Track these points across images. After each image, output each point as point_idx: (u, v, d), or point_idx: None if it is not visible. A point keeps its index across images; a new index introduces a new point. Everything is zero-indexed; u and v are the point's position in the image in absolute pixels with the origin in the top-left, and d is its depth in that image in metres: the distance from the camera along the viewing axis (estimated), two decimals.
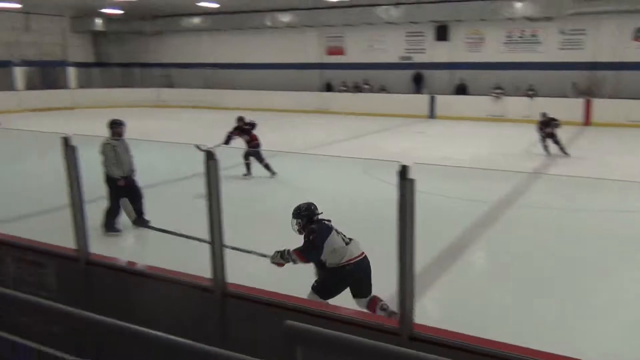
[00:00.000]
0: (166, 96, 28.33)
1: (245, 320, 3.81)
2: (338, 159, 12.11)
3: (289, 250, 4.71)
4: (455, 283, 6.20)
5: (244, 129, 11.61)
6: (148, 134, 15.41)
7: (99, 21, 29.49)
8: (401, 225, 3.05)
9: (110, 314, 2.81)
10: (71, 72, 28.54)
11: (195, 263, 4.08)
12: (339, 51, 26.65)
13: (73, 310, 2.89)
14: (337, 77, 26.16)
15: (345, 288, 4.73)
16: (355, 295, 4.77)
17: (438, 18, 23.21)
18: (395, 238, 3.09)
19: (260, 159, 11.17)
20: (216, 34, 29.09)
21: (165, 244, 7.23)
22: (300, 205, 4.89)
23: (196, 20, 28.65)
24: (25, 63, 27.22)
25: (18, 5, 25.55)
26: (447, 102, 22.99)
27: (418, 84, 24.61)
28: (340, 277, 4.69)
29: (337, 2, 23.01)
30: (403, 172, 3.04)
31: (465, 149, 14.85)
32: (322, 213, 4.89)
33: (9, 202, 8.76)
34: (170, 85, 29.56)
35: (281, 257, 4.74)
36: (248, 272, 4.67)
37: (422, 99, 23.42)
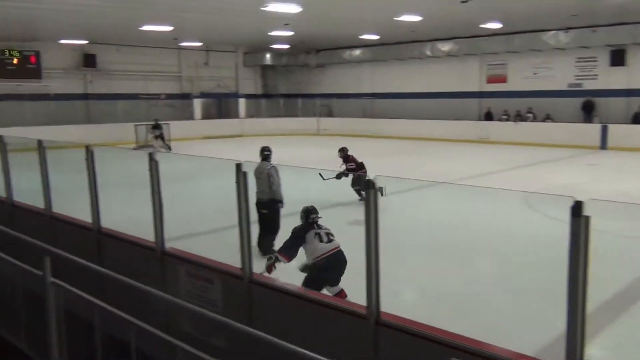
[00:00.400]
0: (326, 125, 29.39)
1: (399, 352, 3.73)
2: (498, 191, 11.57)
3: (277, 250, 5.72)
4: (625, 333, 5.55)
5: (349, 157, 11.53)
6: (308, 160, 16.09)
7: (267, 56, 31.69)
8: (573, 266, 2.81)
9: (269, 331, 2.93)
10: (242, 103, 30.87)
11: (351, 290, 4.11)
12: (500, 79, 25.74)
13: (238, 325, 3.05)
14: (498, 106, 25.23)
15: (324, 278, 5.63)
16: (327, 283, 5.69)
17: (614, 42, 21.45)
18: (559, 276, 2.85)
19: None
20: (376, 64, 29.72)
21: None
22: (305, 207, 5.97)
23: (357, 52, 29.55)
24: (203, 95, 30.05)
25: (200, 44, 28.45)
26: (622, 132, 21.02)
27: (588, 113, 22.83)
28: (315, 271, 5.66)
29: (499, 29, 22.34)
30: (577, 208, 2.80)
31: None
32: (320, 217, 5.95)
33: (183, 221, 9.60)
34: (330, 114, 30.65)
35: (269, 259, 5.60)
36: (401, 299, 4.61)
37: (593, 129, 21.67)
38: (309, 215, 5.95)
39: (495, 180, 14.32)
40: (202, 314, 3.32)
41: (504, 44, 24.15)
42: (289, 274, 5.22)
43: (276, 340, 2.85)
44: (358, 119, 28.77)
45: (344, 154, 11.78)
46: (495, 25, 21.49)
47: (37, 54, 24.96)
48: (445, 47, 26.15)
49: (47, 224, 7.16)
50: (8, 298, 4.32)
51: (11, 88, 24.30)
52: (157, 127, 22.77)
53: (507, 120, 24.59)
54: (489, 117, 25.56)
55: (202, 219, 10.12)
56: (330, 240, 5.80)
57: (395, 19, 18.78)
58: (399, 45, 27.56)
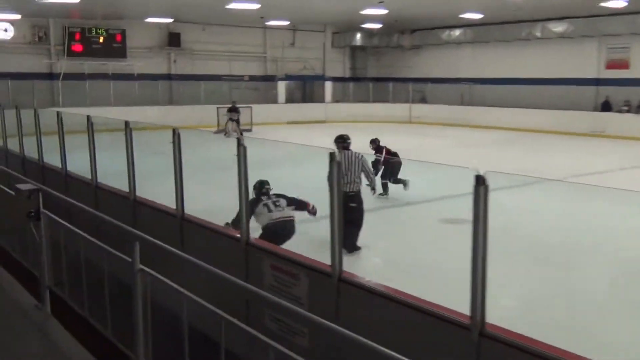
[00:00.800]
0: (419, 112, 28.96)
1: None
2: (616, 191, 10.93)
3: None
4: None
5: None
6: (403, 151, 16.04)
7: (358, 36, 31.57)
8: None
9: (358, 331, 2.88)
10: (328, 86, 30.99)
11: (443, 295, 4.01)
12: (622, 64, 24.26)
13: (323, 321, 3.03)
14: (618, 95, 23.80)
15: (273, 239, 6.39)
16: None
17: None
18: None
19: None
20: (477, 46, 28.86)
21: (413, 268, 7.31)
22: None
23: (457, 32, 28.81)
24: (288, 77, 30.43)
25: (287, 23, 28.81)
26: None
27: None
28: (265, 233, 6.87)
29: (622, 8, 21.01)
30: None
31: None
32: (271, 189, 7.26)
33: None
34: (424, 100, 30.15)
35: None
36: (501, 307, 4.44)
37: None
38: (262, 187, 7.18)
39: (612, 180, 13.53)
40: (292, 309, 3.32)
41: (627, 25, 22.75)
42: (386, 278, 5.15)
43: (370, 342, 2.79)
44: (455, 106, 28.12)
45: (375, 145, 11.76)
46: (619, 4, 20.24)
47: (123, 33, 26.24)
48: (558, 27, 24.95)
49: (131, 207, 7.49)
50: (95, 283, 4.55)
51: (96, 67, 25.73)
52: (233, 110, 23.28)
53: (628, 111, 23.17)
54: (606, 107, 24.18)
55: None
56: (279, 209, 7.00)
57: None
58: (504, 25, 26.57)
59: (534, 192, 10.73)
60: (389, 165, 11.21)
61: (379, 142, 11.87)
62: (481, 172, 3.58)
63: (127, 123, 7.46)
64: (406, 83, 30.56)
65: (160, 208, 7.11)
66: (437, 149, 18.42)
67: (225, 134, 22.02)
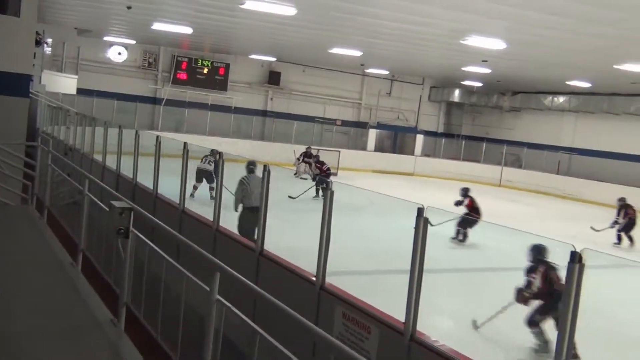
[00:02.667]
0: (511, 176, 28.24)
1: None
2: None
3: None
4: None
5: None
6: (491, 215, 15.74)
7: (456, 92, 31.50)
8: None
9: None
10: (419, 139, 30.91)
11: None
12: None
13: None
14: None
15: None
16: None
17: None
18: None
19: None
20: (582, 115, 27.96)
21: (501, 336, 7.03)
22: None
23: (561, 99, 28.10)
24: (380, 126, 30.65)
25: (386, 72, 29.20)
26: None
27: None
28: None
29: None
30: None
31: None
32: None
33: (342, 255, 9.75)
34: (519, 165, 29.41)
35: None
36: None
37: None
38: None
39: None
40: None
41: None
42: (458, 342, 4.99)
43: None
44: (550, 174, 27.19)
45: (463, 192, 13.57)
46: None
47: (227, 67, 27.47)
48: None
49: (212, 236, 7.70)
50: (171, 306, 4.67)
51: (197, 96, 27.01)
52: (308, 155, 22.73)
53: None
54: None
55: (360, 257, 10.21)
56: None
57: (615, 66, 17.56)
58: (613, 97, 25.67)
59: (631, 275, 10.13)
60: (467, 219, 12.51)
61: (468, 191, 13.56)
62: (579, 250, 3.45)
63: (220, 154, 7.74)
64: (500, 145, 29.96)
65: (241, 241, 7.27)
66: (528, 218, 17.83)
67: (295, 174, 22.21)
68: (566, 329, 3.41)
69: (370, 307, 5.23)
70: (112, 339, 4.77)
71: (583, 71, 20.98)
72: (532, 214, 19.79)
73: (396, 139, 32.04)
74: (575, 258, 3.39)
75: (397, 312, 4.81)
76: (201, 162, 14.53)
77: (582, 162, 27.30)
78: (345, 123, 30.90)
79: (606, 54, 16.24)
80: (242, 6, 14.01)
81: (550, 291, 6.65)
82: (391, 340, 4.80)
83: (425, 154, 30.96)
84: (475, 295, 9.10)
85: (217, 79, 27.42)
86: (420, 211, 4.51)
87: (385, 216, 13.34)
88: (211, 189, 13.92)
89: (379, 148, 30.52)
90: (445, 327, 7.79)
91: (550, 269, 6.80)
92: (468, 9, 12.53)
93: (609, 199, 23.77)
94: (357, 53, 21.76)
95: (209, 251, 7.13)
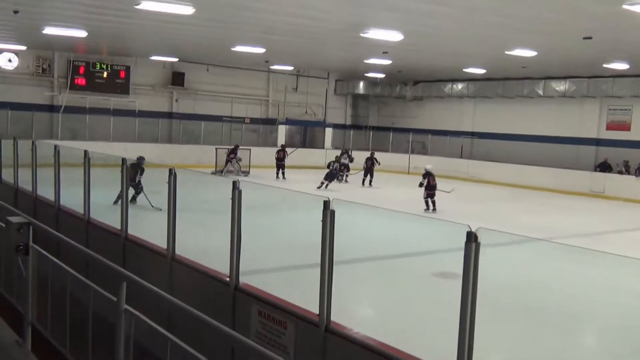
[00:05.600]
0: (418, 163, 29.09)
1: None
2: (608, 255, 10.94)
3: None
4: None
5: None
6: (406, 203, 16.19)
7: (361, 84, 32.12)
8: None
9: None
10: (328, 132, 31.28)
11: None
12: (623, 126, 24.60)
13: None
14: (617, 156, 24.04)
15: None
16: None
17: None
18: None
19: None
20: (480, 101, 29.31)
21: (404, 321, 7.27)
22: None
23: (460, 86, 29.32)
24: (289, 122, 30.77)
25: (291, 68, 29.32)
26: None
27: None
28: None
29: (625, 70, 21.44)
30: None
31: None
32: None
33: (257, 254, 9.75)
34: (424, 152, 30.40)
35: None
36: None
37: None
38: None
39: (608, 241, 13.56)
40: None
41: (630, 87, 23.18)
42: (373, 329, 5.12)
43: None
44: (455, 159, 28.31)
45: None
46: (621, 66, 20.66)
47: (127, 69, 26.62)
48: (560, 86, 25.41)
49: (121, 245, 7.49)
50: (79, 321, 4.53)
51: (98, 102, 26.02)
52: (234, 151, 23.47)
53: (627, 173, 23.37)
54: (605, 168, 24.40)
55: (277, 254, 10.24)
56: None
57: (506, 52, 18.49)
58: (507, 82, 27.06)
59: (525, 250, 10.77)
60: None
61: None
62: (473, 230, 3.64)
63: (123, 160, 7.54)
64: (406, 133, 30.90)
65: (151, 247, 7.12)
66: (441, 203, 18.50)
67: (223, 173, 22.17)
68: (467, 305, 3.59)
69: (286, 302, 5.28)
70: None
71: (477, 59, 21.95)
72: (442, 198, 20.54)
73: (306, 134, 32.29)
74: (471, 237, 3.57)
75: (316, 304, 4.86)
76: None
77: (483, 144, 28.63)
78: (254, 120, 30.76)
79: (497, 41, 17.08)
80: (137, 7, 13.62)
81: (432, 185, 16.79)
82: (307, 333, 4.87)
83: (335, 146, 31.35)
84: (390, 282, 9.34)
85: (118, 83, 26.53)
86: (326, 204, 4.60)
87: (299, 211, 13.44)
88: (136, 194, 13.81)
89: (290, 143, 30.62)
90: (364, 316, 7.98)
91: (431, 176, 16.99)
92: (362, 3, 12.81)
93: (510, 178, 25.14)
94: (260, 50, 21.71)
95: (119, 260, 6.95)
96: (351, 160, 24.95)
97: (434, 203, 16.90)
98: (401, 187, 22.56)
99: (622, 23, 13.14)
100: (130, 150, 21.44)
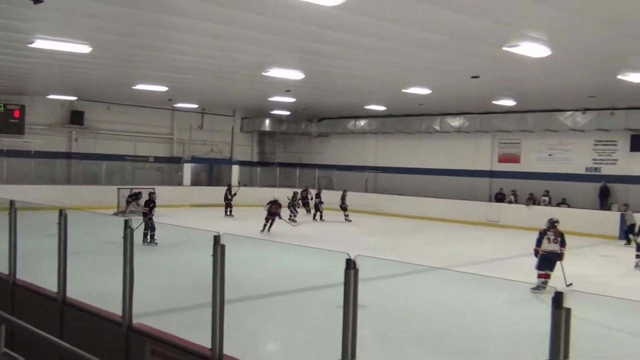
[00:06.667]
0: (326, 199, 29.57)
1: None
2: (498, 280, 11.58)
3: None
4: None
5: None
6: (315, 237, 16.33)
7: (267, 122, 32.51)
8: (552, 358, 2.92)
9: None
10: (235, 170, 31.25)
11: None
12: (513, 159, 26.24)
13: None
14: (509, 187, 25.57)
15: None
16: None
17: (633, 126, 22.05)
18: None
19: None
20: (382, 136, 30.40)
21: (308, 353, 7.36)
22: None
23: (362, 122, 30.32)
24: (195, 160, 30.52)
25: (196, 106, 29.22)
26: None
27: (603, 199, 23.17)
28: None
29: (512, 107, 23.00)
30: (557, 299, 2.94)
31: None
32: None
33: (159, 294, 9.59)
34: (331, 186, 30.95)
35: None
36: None
37: (612, 217, 21.85)
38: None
39: (502, 267, 14.34)
40: None
41: (517, 123, 24.84)
42: None
43: None
44: (360, 193, 28.97)
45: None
46: (509, 103, 22.15)
47: (22, 109, 25.58)
48: (455, 122, 26.84)
49: (9, 291, 7.20)
50: None
51: None
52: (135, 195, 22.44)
53: (515, 202, 24.85)
54: (500, 198, 25.83)
55: (179, 293, 10.12)
56: None
57: (403, 90, 19.40)
58: (406, 118, 28.30)
59: (423, 280, 11.20)
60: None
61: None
62: (352, 257, 3.85)
63: (12, 202, 7.30)
64: (313, 169, 31.46)
65: (41, 292, 6.90)
66: (353, 236, 18.88)
67: (124, 213, 21.55)
68: (349, 329, 3.77)
69: (178, 339, 5.27)
70: None
71: (377, 96, 22.88)
72: (350, 232, 21.00)
73: (212, 171, 32.10)
74: (350, 264, 3.78)
75: (226, 340, 4.80)
76: None
77: (388, 179, 29.58)
78: (158, 159, 30.28)
79: (394, 80, 17.93)
80: (31, 45, 13.33)
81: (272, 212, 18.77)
82: None
83: (243, 184, 31.34)
84: (294, 317, 9.43)
85: (12, 122, 25.36)
86: (216, 239, 4.69)
87: (204, 249, 13.32)
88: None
89: (196, 182, 30.33)
90: (269, 351, 8.01)
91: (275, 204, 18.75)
92: (263, 43, 13.15)
93: (410, 210, 26.03)
94: (163, 88, 21.60)
95: (7, 306, 6.69)
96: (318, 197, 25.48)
97: (270, 225, 18.83)
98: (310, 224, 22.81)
99: (504, 63, 14.21)
100: (28, 192, 20.50)
